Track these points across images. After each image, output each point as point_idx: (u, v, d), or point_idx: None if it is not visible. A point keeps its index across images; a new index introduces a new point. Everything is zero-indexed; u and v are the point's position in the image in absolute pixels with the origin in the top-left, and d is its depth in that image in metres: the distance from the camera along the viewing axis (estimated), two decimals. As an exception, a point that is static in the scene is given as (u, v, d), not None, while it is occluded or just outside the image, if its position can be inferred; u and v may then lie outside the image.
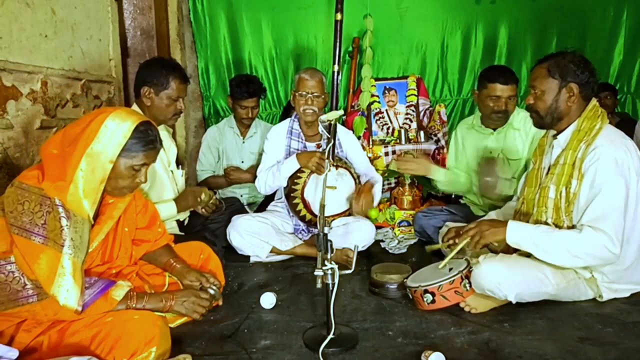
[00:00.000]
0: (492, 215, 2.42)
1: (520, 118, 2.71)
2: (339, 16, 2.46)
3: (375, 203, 2.74)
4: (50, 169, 1.51)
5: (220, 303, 2.02)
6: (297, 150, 2.78)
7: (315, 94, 2.70)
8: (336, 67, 2.48)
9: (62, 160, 1.51)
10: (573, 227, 1.95)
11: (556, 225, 1.98)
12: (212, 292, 1.90)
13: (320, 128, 1.97)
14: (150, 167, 1.69)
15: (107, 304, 1.57)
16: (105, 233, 1.66)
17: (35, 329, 1.54)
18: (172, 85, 2.36)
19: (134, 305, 1.64)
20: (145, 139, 1.60)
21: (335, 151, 2.74)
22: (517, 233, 1.96)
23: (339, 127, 2.88)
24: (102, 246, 1.70)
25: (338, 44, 2.46)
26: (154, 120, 2.40)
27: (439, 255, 2.54)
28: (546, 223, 2.01)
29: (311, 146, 2.83)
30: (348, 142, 2.90)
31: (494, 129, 2.78)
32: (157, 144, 1.65)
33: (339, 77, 2.48)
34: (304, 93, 2.69)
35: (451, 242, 2.22)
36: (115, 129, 1.54)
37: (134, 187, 1.68)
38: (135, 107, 2.42)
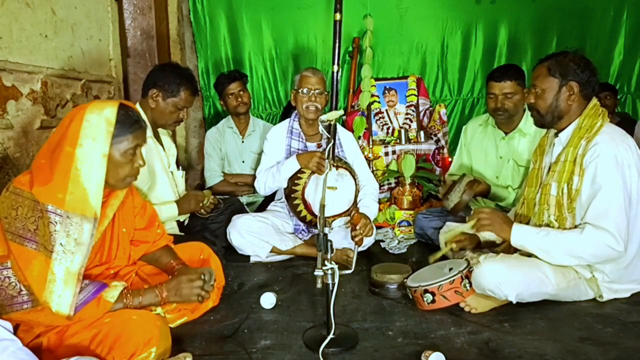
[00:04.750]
0: None
1: (530, 123, 2.69)
2: (337, 16, 2.47)
3: (373, 233, 2.69)
4: (39, 174, 1.50)
5: (213, 286, 1.93)
6: (298, 150, 2.78)
7: (318, 91, 2.71)
8: (336, 67, 2.48)
9: (51, 162, 1.50)
10: (576, 226, 1.95)
11: (559, 223, 1.98)
12: (207, 277, 1.82)
13: (321, 128, 1.97)
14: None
15: (99, 307, 1.55)
16: (101, 232, 1.65)
17: (34, 329, 1.54)
18: (182, 94, 2.38)
19: (130, 304, 1.63)
20: (129, 121, 1.59)
21: (336, 151, 2.74)
22: (520, 236, 1.97)
23: (340, 128, 2.88)
24: (100, 247, 1.70)
25: (337, 44, 2.47)
26: (153, 122, 2.42)
27: (442, 259, 2.54)
28: (548, 222, 2.02)
29: (312, 146, 2.83)
30: (348, 144, 2.90)
31: (506, 133, 2.77)
32: (141, 123, 1.64)
33: (339, 77, 2.48)
34: (307, 90, 2.70)
35: (455, 246, 2.24)
36: (98, 120, 1.53)
37: (136, 174, 1.67)
38: (137, 106, 2.42)
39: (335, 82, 2.45)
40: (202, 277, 1.79)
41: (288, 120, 2.90)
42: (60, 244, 1.46)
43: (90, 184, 1.51)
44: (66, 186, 1.48)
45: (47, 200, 1.46)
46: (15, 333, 1.43)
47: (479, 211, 2.09)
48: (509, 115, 2.70)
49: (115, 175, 1.59)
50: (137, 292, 1.67)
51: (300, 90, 2.73)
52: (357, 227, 2.45)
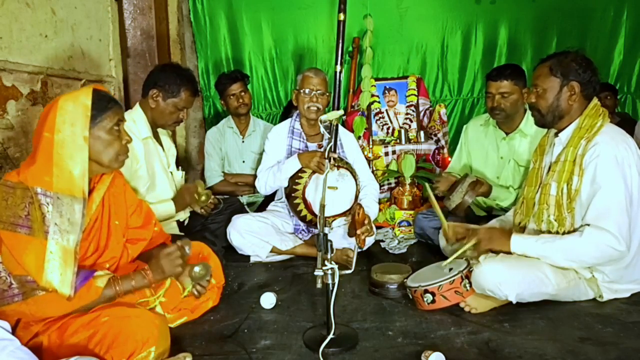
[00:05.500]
0: (494, 223, 2.39)
1: (531, 124, 2.62)
2: (341, 16, 2.47)
3: (373, 233, 2.68)
4: (25, 165, 1.56)
5: (209, 281, 1.91)
6: (299, 149, 2.78)
7: (320, 92, 2.71)
8: (339, 67, 2.49)
9: (35, 153, 1.55)
10: (575, 229, 1.95)
11: (558, 223, 1.98)
12: (187, 250, 1.80)
13: (322, 128, 1.97)
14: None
15: (90, 292, 1.56)
16: (91, 216, 1.66)
17: (32, 328, 1.54)
18: (182, 95, 2.38)
19: (120, 289, 1.62)
20: (104, 100, 1.63)
21: (337, 151, 2.74)
22: (520, 247, 1.97)
23: (341, 129, 2.89)
24: (94, 236, 1.70)
25: (341, 44, 2.47)
26: (153, 122, 2.42)
27: (441, 255, 2.55)
28: (547, 222, 2.02)
29: (312, 146, 2.83)
30: (349, 145, 2.90)
31: (507, 134, 2.77)
32: (116, 100, 1.69)
33: (341, 78, 2.49)
34: (308, 90, 2.70)
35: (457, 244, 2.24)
36: (74, 107, 1.56)
37: (126, 151, 1.70)
38: (137, 106, 2.43)
39: (338, 82, 2.46)
40: (179, 246, 1.77)
41: (289, 120, 2.90)
42: (55, 223, 1.48)
43: (74, 167, 1.54)
44: (51, 169, 1.51)
45: (35, 183, 1.49)
46: (13, 332, 1.44)
47: (474, 232, 2.09)
48: (506, 115, 2.70)
49: (107, 155, 1.63)
50: (125, 277, 1.67)
51: (302, 91, 2.73)
52: (365, 223, 2.44)
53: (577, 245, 1.88)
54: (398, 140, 3.95)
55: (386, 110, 4.18)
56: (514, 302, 1.90)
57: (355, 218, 2.52)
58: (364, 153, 3.26)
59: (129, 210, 1.88)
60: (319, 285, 1.78)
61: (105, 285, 1.60)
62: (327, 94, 2.76)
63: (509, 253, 2.06)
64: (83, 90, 1.63)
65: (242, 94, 3.45)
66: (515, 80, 2.64)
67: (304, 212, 2.66)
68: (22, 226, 1.46)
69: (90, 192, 1.65)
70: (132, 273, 1.70)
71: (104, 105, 1.62)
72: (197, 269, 1.80)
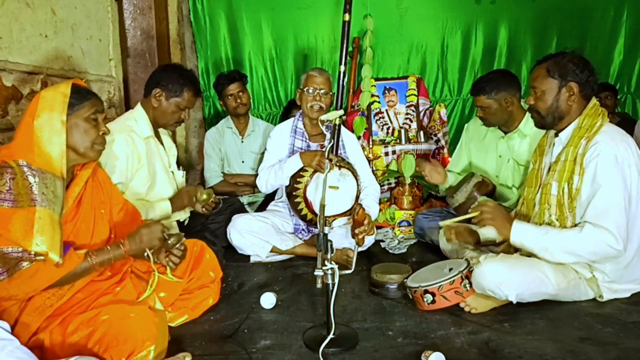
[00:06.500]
0: None
1: (531, 125, 2.59)
2: (347, 17, 2.47)
3: (373, 233, 2.69)
4: (5, 147, 1.62)
5: (181, 251, 1.91)
6: (301, 149, 2.79)
7: (323, 91, 2.71)
8: (342, 68, 2.50)
9: (15, 136, 1.61)
10: (576, 225, 1.95)
11: (560, 222, 1.99)
12: (173, 240, 1.83)
13: (324, 128, 1.98)
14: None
15: (72, 259, 1.57)
16: (73, 199, 1.68)
17: (30, 326, 1.54)
18: (185, 95, 2.39)
19: (96, 260, 1.63)
20: (83, 92, 1.69)
21: (339, 152, 2.74)
22: (520, 234, 1.97)
23: (343, 129, 2.89)
24: (78, 219, 1.70)
25: (345, 44, 2.48)
26: (154, 122, 2.42)
27: (441, 256, 2.55)
28: (549, 221, 2.02)
29: (315, 146, 2.83)
30: (351, 145, 2.90)
31: (505, 133, 2.77)
32: (96, 94, 1.75)
33: (344, 78, 2.50)
34: (312, 89, 2.71)
35: (454, 238, 2.24)
36: (54, 95, 1.63)
37: (103, 142, 1.73)
38: (139, 106, 2.43)
39: (341, 83, 2.47)
40: (162, 225, 1.80)
41: (292, 119, 2.90)
42: (43, 193, 1.52)
43: (53, 149, 1.59)
44: (32, 147, 1.56)
45: (19, 156, 1.53)
46: (12, 331, 1.44)
47: (483, 204, 2.10)
48: (491, 124, 2.74)
49: (83, 142, 1.66)
50: (100, 249, 1.68)
51: (305, 90, 2.73)
52: (365, 223, 2.45)
53: (576, 240, 1.88)
54: (398, 140, 3.95)
55: (386, 110, 4.18)
56: (514, 302, 1.91)
57: (355, 218, 2.52)
58: (364, 153, 3.26)
59: (115, 207, 1.90)
60: (319, 285, 1.78)
61: (83, 257, 1.62)
62: (331, 93, 2.77)
63: (508, 252, 2.07)
64: (63, 83, 1.69)
65: (241, 94, 3.45)
66: (488, 94, 2.62)
67: (305, 211, 2.66)
68: (4, 200, 1.47)
69: (73, 178, 1.70)
70: (113, 244, 1.72)
71: (83, 96, 1.68)
72: (169, 240, 1.82)
